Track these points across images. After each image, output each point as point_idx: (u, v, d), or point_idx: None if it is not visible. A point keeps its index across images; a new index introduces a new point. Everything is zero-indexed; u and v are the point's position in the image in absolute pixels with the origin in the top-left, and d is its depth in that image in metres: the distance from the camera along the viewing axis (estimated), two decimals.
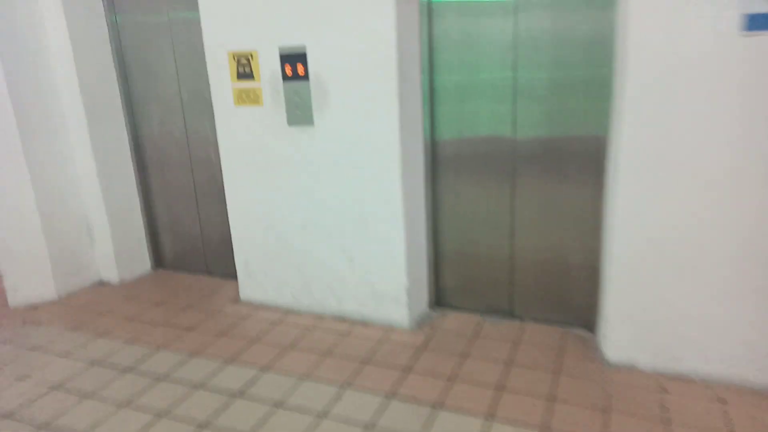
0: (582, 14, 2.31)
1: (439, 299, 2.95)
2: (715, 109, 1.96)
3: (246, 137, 2.83)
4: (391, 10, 2.33)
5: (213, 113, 2.94)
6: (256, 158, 2.85)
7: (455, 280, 2.88)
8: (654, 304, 2.21)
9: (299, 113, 2.63)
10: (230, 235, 3.09)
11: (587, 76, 2.36)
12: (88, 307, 3.21)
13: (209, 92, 3.04)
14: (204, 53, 2.89)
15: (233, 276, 3.35)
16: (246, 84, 2.72)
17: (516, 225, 2.67)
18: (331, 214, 2.76)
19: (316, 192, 2.76)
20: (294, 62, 2.57)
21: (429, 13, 2.55)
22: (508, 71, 2.49)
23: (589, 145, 2.42)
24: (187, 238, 3.62)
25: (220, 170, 3.05)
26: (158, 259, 3.76)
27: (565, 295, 2.67)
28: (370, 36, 2.40)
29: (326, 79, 2.55)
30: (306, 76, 2.57)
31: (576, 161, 2.47)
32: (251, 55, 2.66)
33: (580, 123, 2.42)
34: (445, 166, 2.73)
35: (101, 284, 3.53)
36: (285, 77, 2.61)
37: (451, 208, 2.78)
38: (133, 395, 2.33)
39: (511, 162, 2.60)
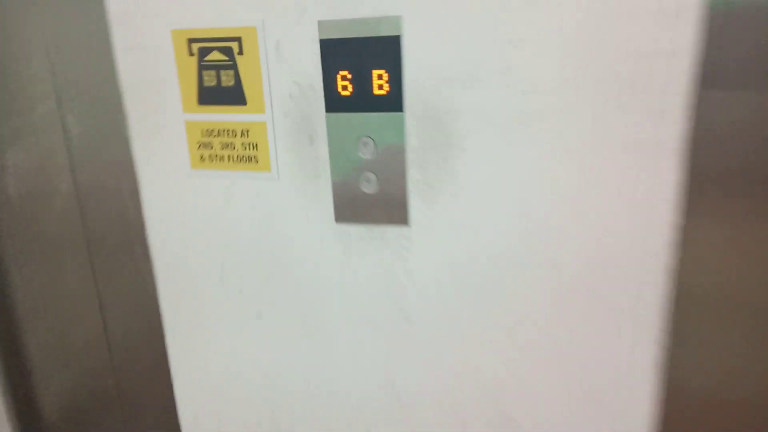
0: None
1: None
2: None
3: (226, 242, 1.18)
4: None
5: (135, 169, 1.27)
6: (247, 286, 1.20)
7: None
8: None
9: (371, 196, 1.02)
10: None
11: None
12: None
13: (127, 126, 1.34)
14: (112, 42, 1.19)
15: None
16: (223, 115, 1.07)
17: None
18: (431, 422, 1.17)
19: (401, 372, 1.16)
20: (364, 63, 0.96)
21: None
22: None
23: None
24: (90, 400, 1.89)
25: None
26: None
27: None
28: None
29: (454, 106, 0.96)
30: (396, 100, 0.97)
31: None
32: (240, 41, 1.02)
33: None
34: None
35: None
36: (333, 100, 0.99)
37: None
38: None
39: None
